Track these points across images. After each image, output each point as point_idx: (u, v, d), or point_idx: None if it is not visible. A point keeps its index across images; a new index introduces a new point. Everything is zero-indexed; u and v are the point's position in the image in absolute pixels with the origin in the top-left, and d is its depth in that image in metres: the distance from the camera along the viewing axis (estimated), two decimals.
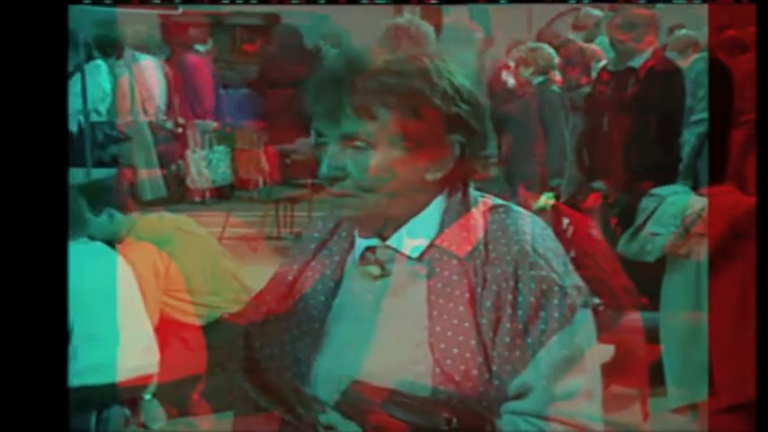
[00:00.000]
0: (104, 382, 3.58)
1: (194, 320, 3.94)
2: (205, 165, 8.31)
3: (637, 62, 4.62)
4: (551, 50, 5.52)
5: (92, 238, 3.75)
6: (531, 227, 1.46)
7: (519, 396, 1.38)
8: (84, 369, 3.53)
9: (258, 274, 5.13)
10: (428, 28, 5.57)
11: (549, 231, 1.49)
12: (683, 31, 6.15)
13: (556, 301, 1.39)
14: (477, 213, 1.47)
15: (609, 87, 4.74)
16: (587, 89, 5.29)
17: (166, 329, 3.86)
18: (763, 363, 2.02)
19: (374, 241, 1.49)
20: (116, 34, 7.69)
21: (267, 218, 7.29)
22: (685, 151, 4.58)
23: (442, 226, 1.46)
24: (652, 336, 3.73)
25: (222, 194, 8.33)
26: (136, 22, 8.04)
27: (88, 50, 6.92)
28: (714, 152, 3.84)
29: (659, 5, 5.36)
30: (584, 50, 6.28)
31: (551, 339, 1.37)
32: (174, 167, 8.18)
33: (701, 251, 3.67)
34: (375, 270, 1.48)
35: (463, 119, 1.44)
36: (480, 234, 1.44)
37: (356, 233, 1.52)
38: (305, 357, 1.48)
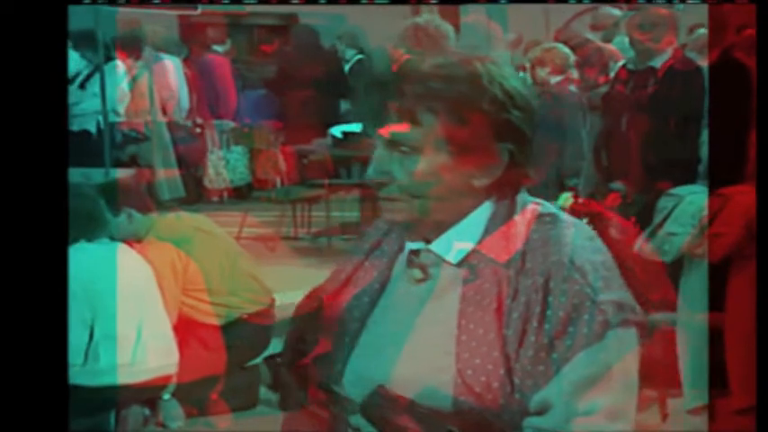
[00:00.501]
0: (124, 382, 3.59)
1: (213, 320, 3.95)
2: (223, 165, 8.34)
3: (656, 62, 4.60)
4: (567, 50, 5.51)
5: (111, 238, 3.77)
6: (574, 238, 1.41)
7: (540, 412, 1.35)
8: (103, 369, 3.55)
9: (276, 274, 5.16)
10: (447, 27, 5.57)
11: (596, 243, 1.44)
12: (703, 31, 6.11)
13: (586, 317, 1.34)
14: (521, 221, 1.44)
15: (627, 87, 4.72)
16: (605, 88, 5.28)
17: (185, 329, 3.87)
18: (764, 363, 2.01)
19: (419, 244, 1.47)
20: (135, 34, 7.73)
21: (284, 218, 7.30)
22: (705, 151, 4.55)
23: (487, 232, 1.43)
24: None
25: (240, 194, 8.36)
26: (155, 23, 8.08)
27: (107, 51, 6.95)
28: (733, 152, 3.81)
29: (679, 6, 5.34)
30: (603, 50, 6.25)
31: (577, 356, 1.33)
32: (193, 169, 8.22)
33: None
34: (417, 274, 1.47)
35: (514, 125, 1.41)
36: (521, 242, 1.41)
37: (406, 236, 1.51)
38: (342, 357, 1.48)
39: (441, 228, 1.45)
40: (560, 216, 1.46)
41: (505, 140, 1.41)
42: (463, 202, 1.44)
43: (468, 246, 1.43)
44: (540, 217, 1.44)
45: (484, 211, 1.44)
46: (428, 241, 1.46)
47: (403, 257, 1.51)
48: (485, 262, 1.41)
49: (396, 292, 1.49)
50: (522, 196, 1.47)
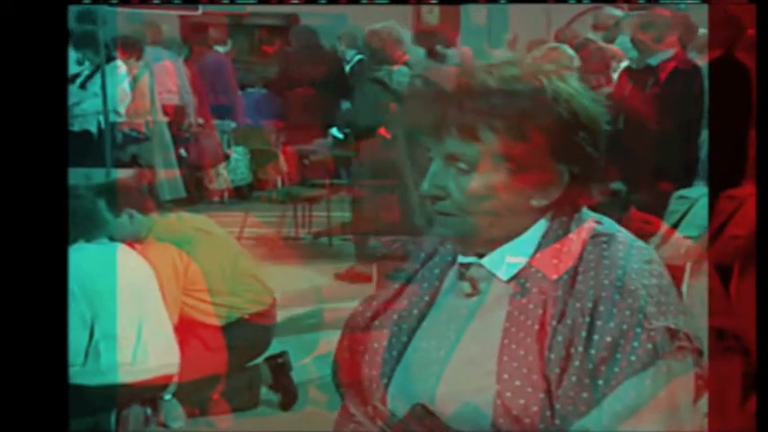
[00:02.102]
0: (124, 381, 3.60)
1: (214, 321, 3.96)
2: (224, 165, 8.34)
3: (658, 61, 4.60)
4: (571, 50, 5.50)
5: (112, 238, 3.77)
6: (629, 260, 1.36)
7: None
8: (104, 368, 3.55)
9: (277, 274, 5.16)
10: (402, 33, 5.64)
11: (654, 266, 1.38)
12: (703, 31, 6.11)
13: (635, 344, 1.28)
14: (575, 238, 1.39)
15: (629, 87, 4.72)
16: (607, 89, 5.27)
17: (186, 329, 3.87)
18: (764, 363, 2.00)
19: (470, 258, 1.44)
20: (136, 34, 7.73)
21: (285, 218, 7.31)
22: (704, 151, 4.56)
23: (539, 248, 1.39)
24: None
25: (241, 195, 8.36)
26: (156, 23, 8.08)
27: (108, 51, 6.95)
28: (733, 152, 3.80)
29: (681, 5, 5.33)
30: (604, 50, 6.24)
31: (622, 384, 1.28)
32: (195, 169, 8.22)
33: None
34: (467, 288, 1.44)
35: (578, 145, 1.36)
36: (573, 260, 1.37)
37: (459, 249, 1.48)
38: (387, 371, 1.45)
39: (494, 245, 1.41)
40: (617, 236, 1.40)
41: (567, 161, 1.37)
42: (519, 220, 1.40)
43: (520, 261, 1.40)
44: (595, 236, 1.40)
45: (538, 228, 1.41)
46: (481, 256, 1.43)
47: (454, 270, 1.48)
48: (534, 278, 1.37)
49: (444, 307, 1.46)
50: (581, 214, 1.42)
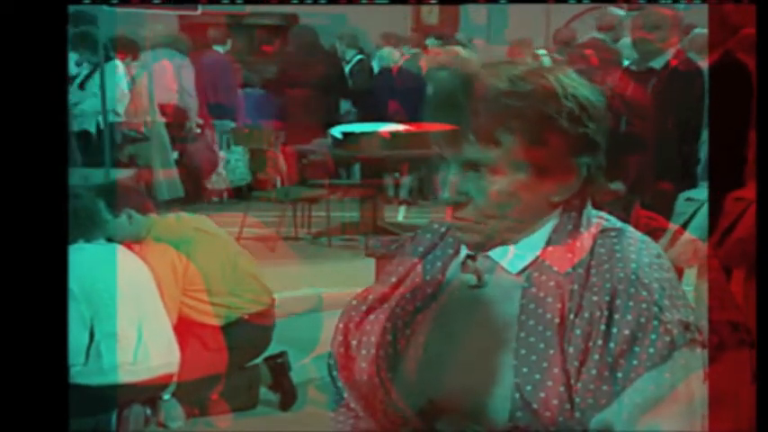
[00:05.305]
0: (126, 381, 3.60)
1: (213, 321, 3.96)
2: (223, 165, 8.34)
3: (658, 62, 4.59)
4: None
5: (111, 239, 3.77)
6: (640, 254, 1.37)
7: None
8: (106, 368, 3.56)
9: (277, 274, 5.16)
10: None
11: (663, 260, 1.40)
12: (703, 31, 6.11)
13: (653, 337, 1.30)
14: (586, 233, 1.40)
15: (629, 87, 4.71)
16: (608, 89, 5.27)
17: (185, 329, 3.88)
18: (764, 363, 2.00)
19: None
20: (135, 35, 7.73)
21: (284, 218, 7.31)
22: (705, 152, 4.55)
23: (549, 242, 1.40)
24: None
25: (240, 195, 8.35)
26: (155, 23, 8.08)
27: (106, 51, 6.95)
28: (733, 152, 3.79)
29: (679, 5, 5.33)
30: (604, 50, 6.25)
31: (641, 377, 1.29)
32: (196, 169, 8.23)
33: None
34: (472, 279, 1.43)
35: (590, 138, 1.37)
36: (584, 255, 1.37)
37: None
38: (394, 365, 1.44)
39: (508, 242, 1.41)
40: (626, 231, 1.42)
41: (583, 155, 1.38)
42: (537, 219, 1.41)
43: (529, 254, 1.40)
44: (604, 231, 1.41)
45: (548, 224, 1.41)
46: (485, 248, 1.42)
47: (457, 262, 1.47)
48: (545, 271, 1.38)
49: (448, 299, 1.45)
50: (588, 210, 1.43)
